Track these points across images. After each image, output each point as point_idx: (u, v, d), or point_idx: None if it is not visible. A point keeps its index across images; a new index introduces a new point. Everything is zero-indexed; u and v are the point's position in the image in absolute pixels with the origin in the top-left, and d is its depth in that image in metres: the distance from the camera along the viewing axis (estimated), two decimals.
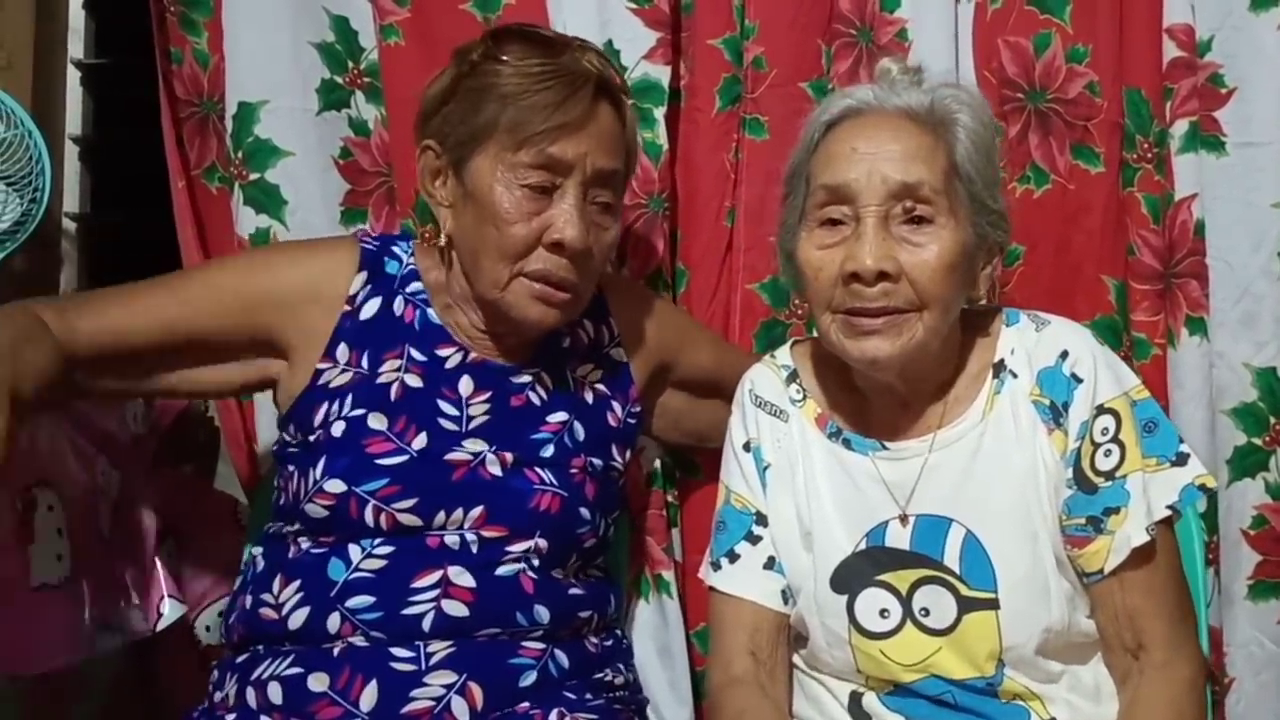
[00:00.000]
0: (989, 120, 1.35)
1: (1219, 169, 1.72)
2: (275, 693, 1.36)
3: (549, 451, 1.46)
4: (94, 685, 1.67)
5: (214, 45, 1.78)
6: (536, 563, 1.42)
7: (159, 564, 1.58)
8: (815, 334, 1.61)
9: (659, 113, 1.72)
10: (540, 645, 1.41)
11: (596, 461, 1.48)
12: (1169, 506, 1.32)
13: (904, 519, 1.34)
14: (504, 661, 1.38)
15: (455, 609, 1.37)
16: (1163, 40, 1.70)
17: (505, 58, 1.41)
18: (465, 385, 1.46)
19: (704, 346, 1.65)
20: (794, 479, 1.41)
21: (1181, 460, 1.33)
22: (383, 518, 1.38)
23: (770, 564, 1.41)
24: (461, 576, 1.38)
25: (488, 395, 1.46)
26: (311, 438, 1.42)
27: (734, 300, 1.75)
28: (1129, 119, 1.72)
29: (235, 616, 1.44)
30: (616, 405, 1.54)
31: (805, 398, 1.43)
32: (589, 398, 1.52)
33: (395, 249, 1.52)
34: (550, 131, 1.38)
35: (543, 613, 1.41)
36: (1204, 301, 1.71)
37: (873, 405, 1.40)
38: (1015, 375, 1.35)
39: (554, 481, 1.44)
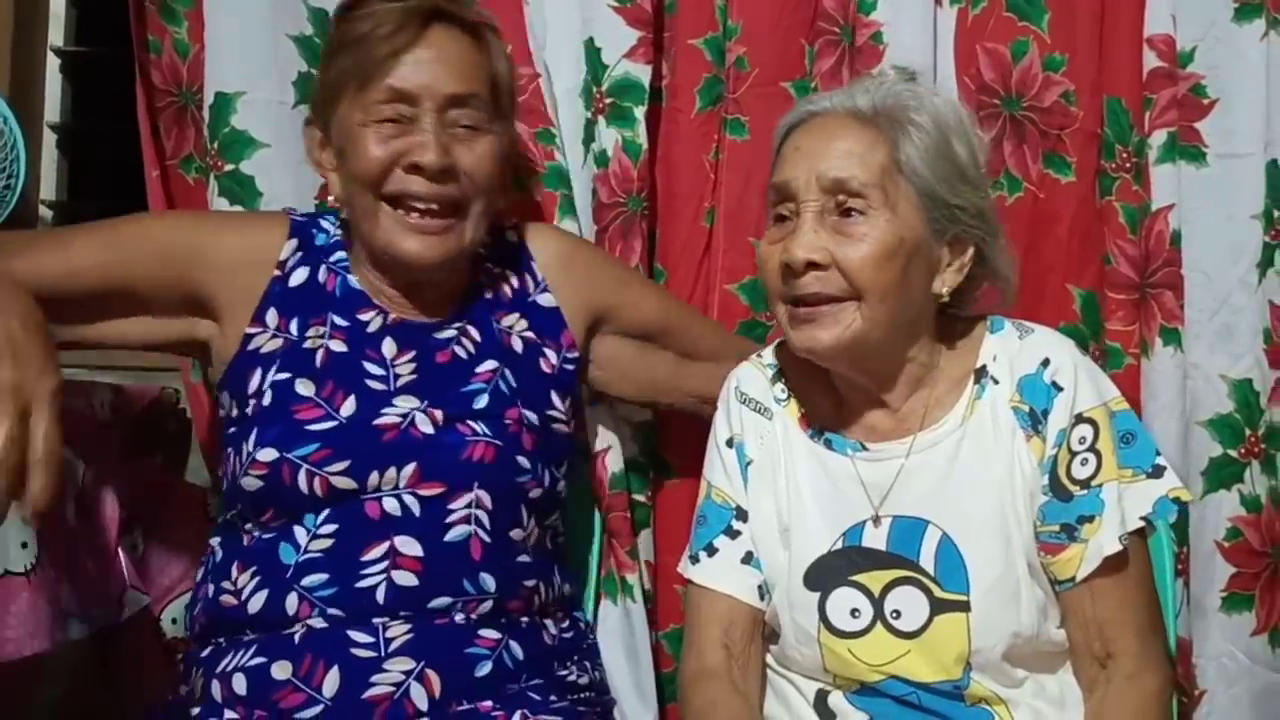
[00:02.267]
0: (951, 117, 1.36)
1: (1199, 180, 1.72)
2: (240, 684, 1.36)
3: (482, 403, 1.45)
4: (55, 675, 1.66)
5: (194, 35, 1.77)
6: (487, 523, 1.42)
7: (121, 554, 1.57)
8: None
9: (639, 111, 1.72)
10: (495, 634, 1.41)
11: (531, 414, 1.48)
12: (1143, 518, 1.33)
13: (877, 520, 1.35)
14: (460, 650, 1.38)
15: (405, 579, 1.38)
16: (1143, 50, 1.69)
17: (349, 14, 1.46)
18: (389, 347, 1.47)
19: (646, 294, 1.64)
20: (775, 476, 1.42)
21: (1157, 472, 1.34)
22: (317, 482, 1.38)
23: (748, 559, 1.42)
24: (409, 545, 1.39)
25: (412, 354, 1.47)
26: (247, 409, 1.43)
27: (712, 300, 1.75)
28: (1108, 128, 1.72)
29: (199, 607, 1.45)
30: (550, 352, 1.53)
31: (790, 397, 1.45)
32: (518, 346, 1.52)
33: (323, 221, 1.54)
34: (384, 62, 1.41)
35: (489, 580, 1.41)
36: (1179, 312, 1.71)
37: (850, 405, 1.41)
38: (996, 381, 1.36)
39: (488, 432, 1.44)
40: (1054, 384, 1.33)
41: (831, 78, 1.72)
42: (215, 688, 1.37)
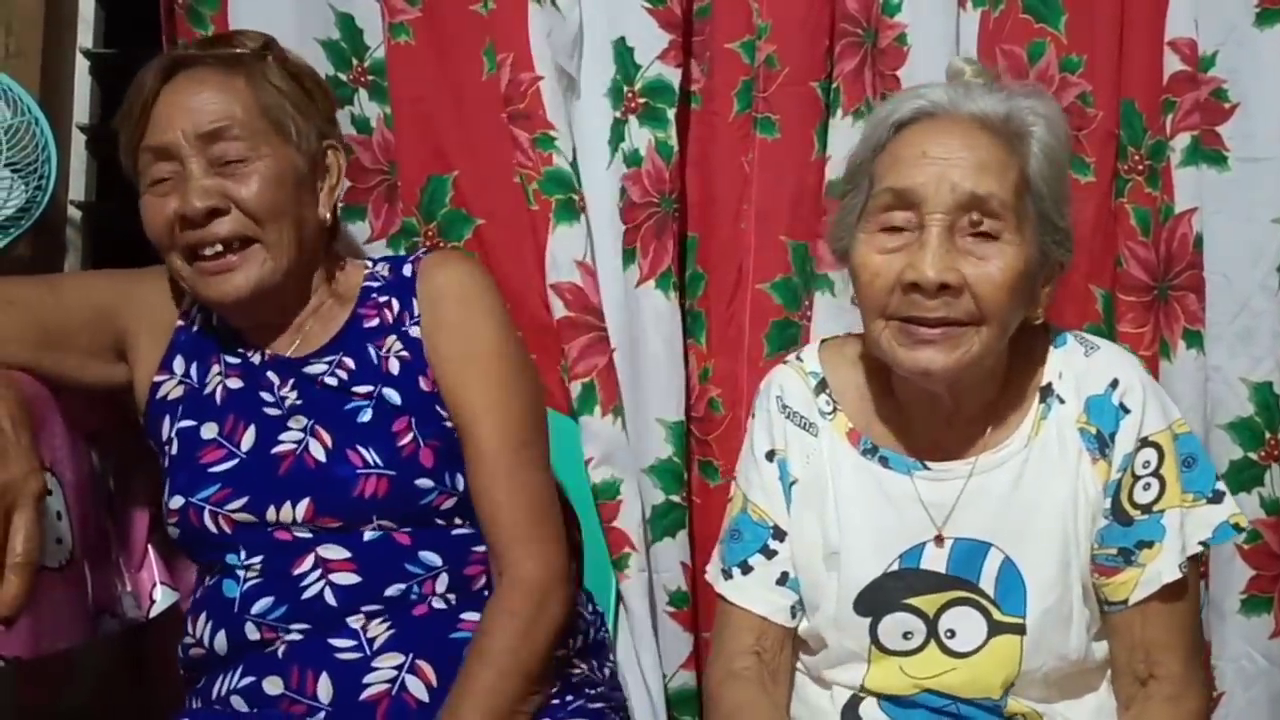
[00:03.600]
0: (1064, 134, 1.31)
1: (1220, 183, 1.73)
2: (239, 704, 1.38)
3: (367, 416, 1.43)
4: (84, 671, 1.67)
5: None
6: (398, 534, 1.41)
7: (151, 550, 1.58)
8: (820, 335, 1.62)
9: (671, 113, 1.73)
10: (477, 616, 1.40)
11: (424, 425, 1.44)
12: (1201, 543, 1.30)
13: (940, 540, 1.32)
14: (445, 636, 1.39)
15: (346, 579, 1.39)
16: (1164, 53, 1.71)
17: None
18: (273, 376, 1.49)
19: (473, 397, 1.45)
20: (823, 498, 1.36)
21: (1217, 498, 1.31)
22: (221, 520, 1.41)
23: (783, 579, 1.38)
24: (334, 551, 1.39)
25: (292, 383, 1.48)
26: (164, 458, 1.47)
27: (744, 300, 1.76)
28: (1123, 130, 1.73)
29: (181, 667, 1.48)
30: (422, 380, 1.47)
31: (836, 410, 1.39)
32: (394, 367, 1.47)
33: None
34: (137, 127, 1.42)
35: (431, 557, 1.41)
36: (1201, 315, 1.72)
37: (914, 421, 1.35)
38: (1062, 401, 1.32)
39: (379, 462, 1.41)
40: (1122, 406, 1.29)
41: (854, 79, 1.73)
42: (218, 709, 1.40)
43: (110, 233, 2.09)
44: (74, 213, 2.04)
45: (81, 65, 2.06)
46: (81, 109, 2.06)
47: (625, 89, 1.73)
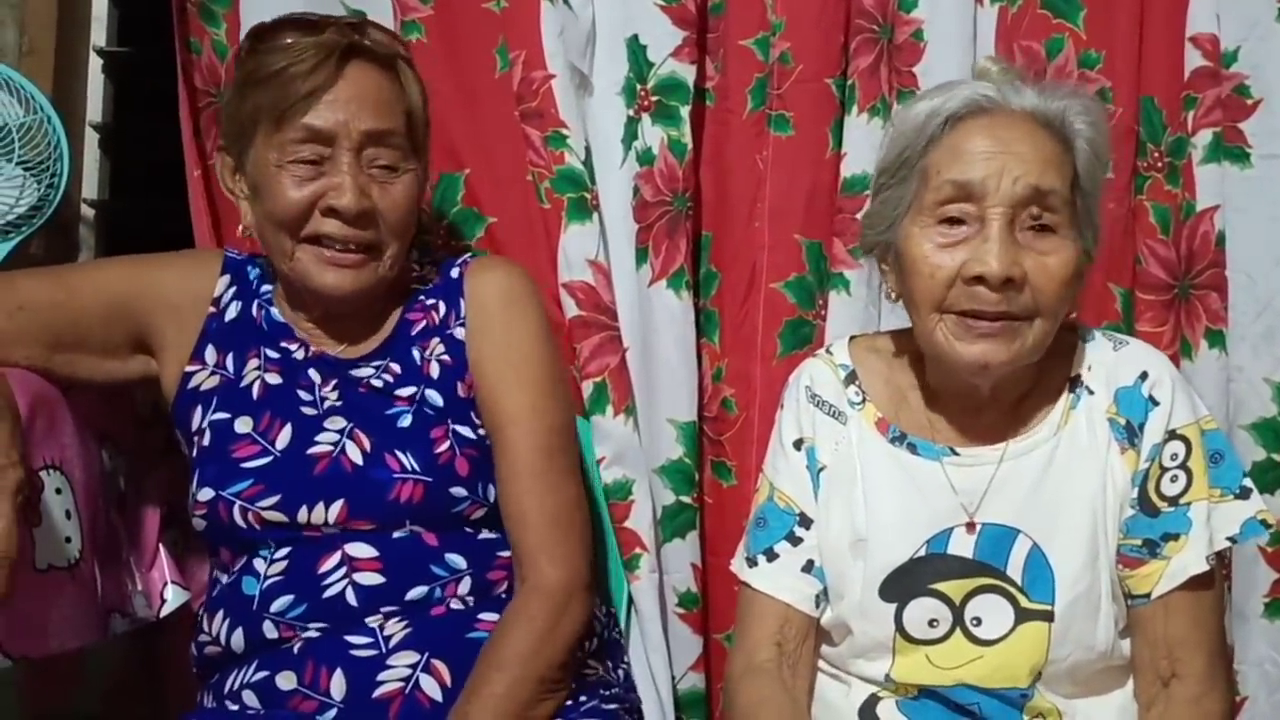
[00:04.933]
0: (1106, 133, 1.33)
1: (1242, 181, 1.71)
2: (250, 699, 1.38)
3: (406, 421, 1.44)
4: (95, 670, 1.67)
5: (232, 37, 1.79)
6: (428, 538, 1.42)
7: (162, 550, 1.58)
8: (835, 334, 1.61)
9: (685, 111, 1.72)
10: (495, 617, 1.40)
11: (463, 430, 1.45)
12: (1229, 538, 1.30)
13: (971, 526, 1.32)
14: (462, 636, 1.38)
15: (369, 579, 1.39)
16: (1185, 49, 1.69)
17: (263, 45, 1.43)
18: (314, 375, 1.48)
19: (508, 403, 1.46)
20: (851, 485, 1.38)
21: (1244, 494, 1.31)
22: (250, 516, 1.40)
23: (808, 567, 1.39)
24: (361, 550, 1.40)
25: (334, 383, 1.47)
26: (193, 449, 1.46)
27: (757, 300, 1.75)
28: (1142, 126, 1.72)
29: (195, 665, 1.48)
30: (460, 385, 1.48)
31: (865, 400, 1.40)
32: (434, 371, 1.48)
33: (258, 260, 1.55)
34: (301, 103, 1.38)
35: (457, 560, 1.41)
36: (1224, 314, 1.70)
37: (945, 411, 1.37)
38: (1092, 392, 1.34)
39: (415, 467, 1.41)
40: (1151, 398, 1.31)
41: (869, 76, 1.72)
42: (229, 705, 1.40)
43: (123, 231, 2.10)
44: (87, 211, 2.05)
45: (95, 64, 2.06)
46: (94, 107, 2.07)
47: (638, 87, 1.73)
